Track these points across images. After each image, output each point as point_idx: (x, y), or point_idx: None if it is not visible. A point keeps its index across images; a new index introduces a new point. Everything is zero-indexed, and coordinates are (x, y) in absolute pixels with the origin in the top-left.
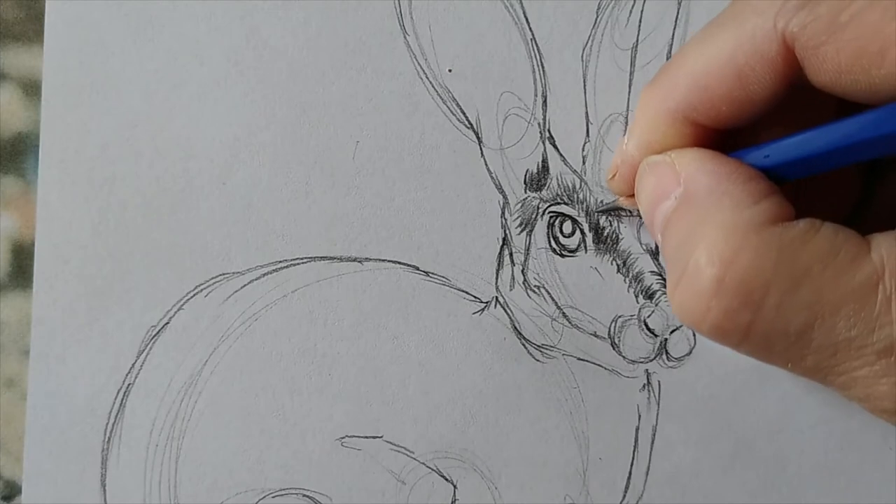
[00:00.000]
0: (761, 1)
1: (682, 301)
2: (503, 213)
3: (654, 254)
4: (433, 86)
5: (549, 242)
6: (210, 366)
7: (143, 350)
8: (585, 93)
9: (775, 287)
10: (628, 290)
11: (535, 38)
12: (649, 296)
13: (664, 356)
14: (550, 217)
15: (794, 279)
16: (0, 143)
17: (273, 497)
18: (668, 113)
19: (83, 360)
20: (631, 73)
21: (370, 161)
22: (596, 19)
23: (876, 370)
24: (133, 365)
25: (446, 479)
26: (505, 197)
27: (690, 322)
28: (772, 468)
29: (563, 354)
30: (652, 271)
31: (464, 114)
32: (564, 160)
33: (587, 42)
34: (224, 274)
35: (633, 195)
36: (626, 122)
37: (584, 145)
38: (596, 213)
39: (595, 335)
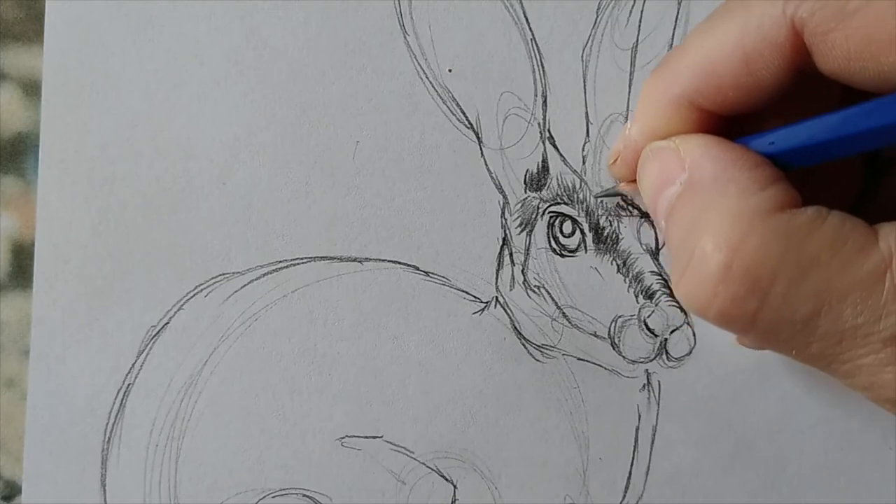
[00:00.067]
0: None
1: (689, 288)
2: (503, 213)
3: (654, 254)
4: (433, 86)
5: (549, 242)
6: (210, 366)
7: (143, 350)
8: (585, 93)
9: (782, 274)
10: (628, 290)
11: (535, 38)
12: (649, 296)
13: (664, 356)
14: (550, 217)
15: (801, 267)
16: (0, 143)
17: (273, 497)
18: (674, 98)
19: (83, 360)
20: (631, 73)
21: (370, 161)
22: (596, 19)
23: (881, 358)
24: (133, 365)
25: (446, 479)
26: (505, 197)
27: (696, 309)
28: (772, 468)
29: (563, 354)
30: (652, 271)
31: (464, 114)
32: (564, 160)
33: (587, 42)
34: (224, 274)
35: (633, 181)
36: (627, 122)
37: (584, 145)
38: (594, 199)
39: (595, 335)
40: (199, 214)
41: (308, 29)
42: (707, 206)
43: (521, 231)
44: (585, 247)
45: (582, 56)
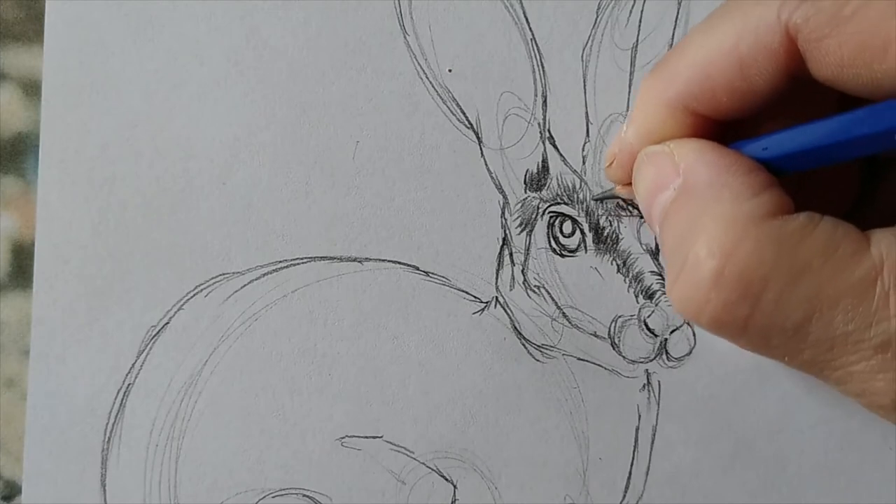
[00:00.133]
0: None
1: (682, 293)
2: (503, 213)
3: (654, 254)
4: (433, 86)
5: (549, 242)
6: (210, 366)
7: (143, 350)
8: (585, 93)
9: (774, 280)
10: (628, 290)
11: (535, 38)
12: (649, 296)
13: (664, 356)
14: (550, 217)
15: (793, 273)
16: (0, 143)
17: (273, 497)
18: (669, 102)
19: (83, 360)
20: (631, 73)
21: (370, 161)
22: (596, 19)
23: (872, 365)
24: (133, 365)
25: (446, 479)
26: (505, 197)
27: (689, 314)
28: (772, 468)
29: (563, 354)
30: (652, 271)
31: (464, 114)
32: (564, 160)
33: (587, 42)
34: (224, 274)
35: (629, 184)
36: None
37: (584, 145)
38: (592, 202)
39: (595, 335)
40: (199, 214)
41: (308, 29)
42: (701, 212)
43: (521, 231)
44: (585, 247)
45: (582, 56)
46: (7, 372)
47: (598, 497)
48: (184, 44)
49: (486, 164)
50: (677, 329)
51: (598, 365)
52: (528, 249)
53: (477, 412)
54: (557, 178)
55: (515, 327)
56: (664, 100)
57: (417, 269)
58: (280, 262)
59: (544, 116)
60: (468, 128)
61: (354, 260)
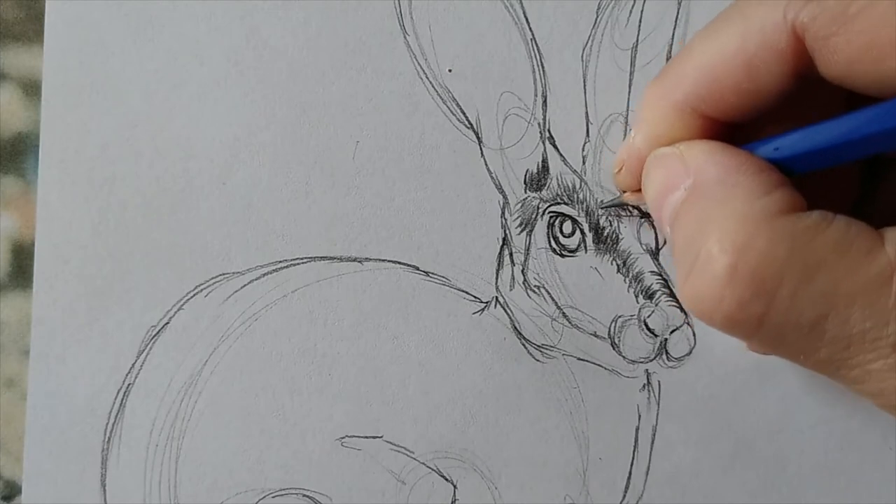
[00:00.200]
0: None
1: (694, 291)
2: (503, 213)
3: (654, 254)
4: (433, 86)
5: (549, 242)
6: (210, 366)
7: (143, 350)
8: (585, 93)
9: (789, 277)
10: (628, 290)
11: (535, 38)
12: (649, 296)
13: (664, 356)
14: (550, 217)
15: (808, 269)
16: (0, 143)
17: (273, 497)
18: (676, 105)
19: (83, 360)
20: (631, 73)
21: (370, 161)
22: (596, 19)
23: (890, 363)
24: (133, 365)
25: (446, 479)
26: (505, 197)
27: (702, 313)
28: (772, 468)
29: (563, 354)
30: (652, 271)
31: (464, 114)
32: (564, 160)
33: (587, 42)
34: (224, 274)
35: (638, 190)
36: (626, 122)
37: (584, 145)
38: (599, 210)
39: (595, 335)
40: (199, 214)
41: (308, 29)
42: (712, 210)
43: (521, 231)
44: (585, 247)
45: (582, 56)
46: (7, 372)
47: (598, 497)
48: (184, 44)
49: (486, 164)
50: (677, 329)
51: (598, 365)
52: (528, 249)
53: (477, 412)
54: (557, 178)
55: (515, 327)
56: (671, 103)
57: (417, 269)
58: (280, 262)
59: (544, 116)
60: (468, 128)
61: (354, 260)
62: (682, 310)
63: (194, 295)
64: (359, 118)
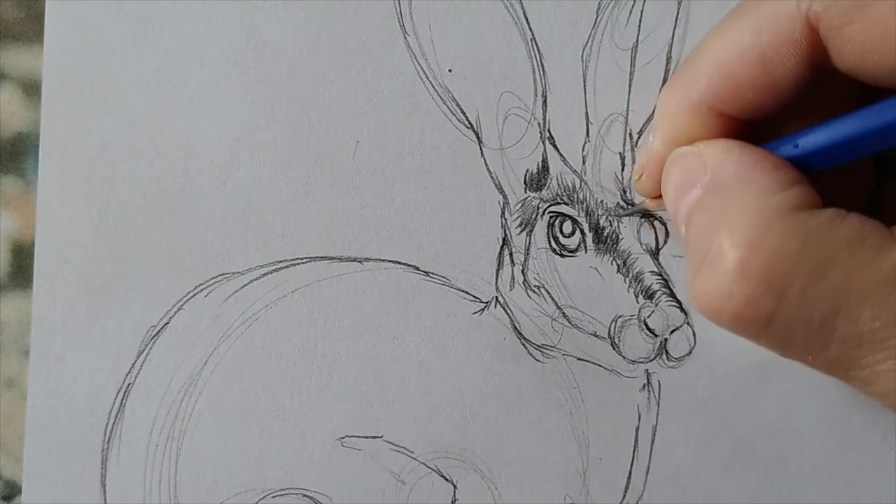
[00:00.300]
0: None
1: (702, 287)
2: (503, 213)
3: (654, 254)
4: (433, 86)
5: (549, 242)
6: (210, 366)
7: (143, 350)
8: (585, 93)
9: (800, 273)
10: (628, 290)
11: (535, 38)
12: (649, 296)
13: (664, 356)
14: (550, 217)
15: (819, 266)
16: (0, 143)
17: (273, 497)
18: (693, 105)
19: (83, 360)
20: (631, 73)
21: (370, 161)
22: (596, 19)
23: None
24: (133, 365)
25: (446, 479)
26: (505, 197)
27: (710, 310)
28: (772, 468)
29: (563, 354)
30: (652, 271)
31: (464, 114)
32: (564, 160)
33: (587, 42)
34: (224, 274)
35: (659, 196)
36: (626, 122)
37: (584, 145)
38: (616, 217)
39: (595, 335)
40: (199, 214)
41: (308, 29)
42: (726, 206)
43: (521, 231)
44: (585, 247)
45: (582, 56)
46: (7, 372)
47: (598, 497)
48: (184, 44)
49: (486, 164)
50: (677, 329)
51: (598, 365)
52: (528, 249)
53: (477, 412)
54: (557, 178)
55: (515, 327)
56: (688, 104)
57: (417, 269)
58: (280, 262)
59: (544, 116)
60: (468, 128)
61: (354, 260)
62: (682, 310)
63: (194, 295)
64: (359, 118)
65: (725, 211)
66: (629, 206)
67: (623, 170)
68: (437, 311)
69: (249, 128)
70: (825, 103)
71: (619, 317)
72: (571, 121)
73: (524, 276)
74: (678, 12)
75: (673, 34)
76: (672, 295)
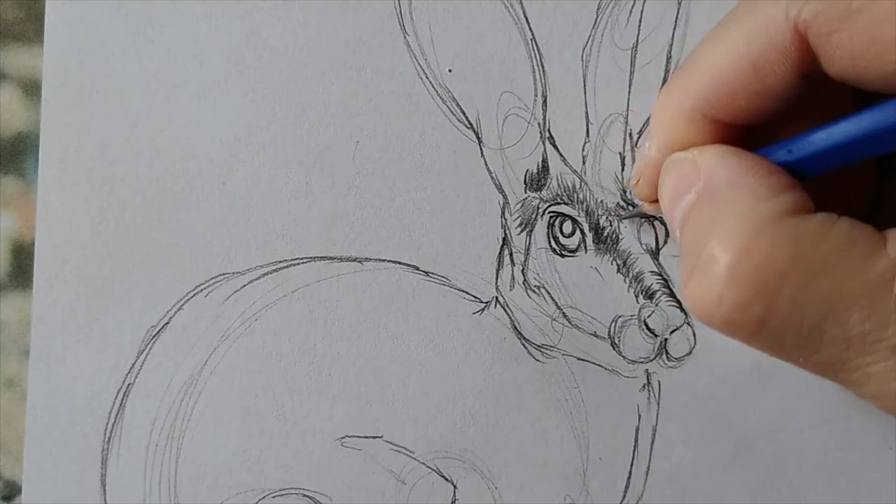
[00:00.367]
0: None
1: (694, 292)
2: (503, 213)
3: (654, 254)
4: (433, 86)
5: (549, 242)
6: (210, 366)
7: (143, 350)
8: (585, 93)
9: (790, 278)
10: (628, 290)
11: (535, 38)
12: (649, 296)
13: (664, 356)
14: (550, 217)
15: (809, 271)
16: (0, 143)
17: (273, 497)
18: (687, 112)
19: (83, 360)
20: (631, 73)
21: (370, 161)
22: (596, 19)
23: (890, 366)
24: (133, 365)
25: (446, 479)
26: (505, 197)
27: (702, 314)
28: (772, 468)
29: (563, 354)
30: (652, 271)
31: (464, 114)
32: (564, 160)
33: (587, 42)
34: (224, 274)
35: (657, 200)
36: (626, 122)
37: (584, 145)
38: (618, 220)
39: (595, 335)
40: (199, 214)
41: (308, 29)
42: (718, 211)
43: (521, 231)
44: (585, 247)
45: (582, 56)
46: (7, 372)
47: (598, 497)
48: (184, 44)
49: (486, 164)
50: (677, 329)
51: (598, 365)
52: (528, 249)
53: (477, 412)
54: (557, 178)
55: (515, 327)
56: (682, 110)
57: (417, 269)
58: (280, 262)
59: (544, 116)
60: (468, 128)
61: (354, 260)
62: (682, 310)
63: (194, 295)
64: (359, 118)
65: (717, 216)
66: (629, 207)
67: (623, 170)
68: (437, 311)
69: (249, 128)
70: (820, 108)
71: (619, 317)
72: (571, 121)
73: (524, 276)
74: (678, 12)
75: (673, 34)
76: (672, 295)
